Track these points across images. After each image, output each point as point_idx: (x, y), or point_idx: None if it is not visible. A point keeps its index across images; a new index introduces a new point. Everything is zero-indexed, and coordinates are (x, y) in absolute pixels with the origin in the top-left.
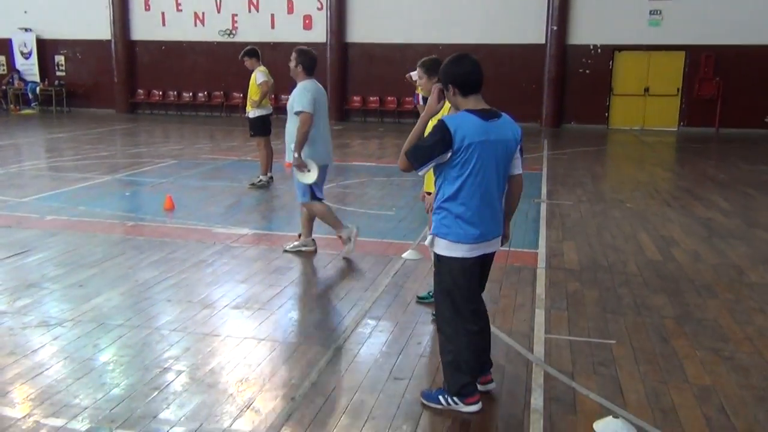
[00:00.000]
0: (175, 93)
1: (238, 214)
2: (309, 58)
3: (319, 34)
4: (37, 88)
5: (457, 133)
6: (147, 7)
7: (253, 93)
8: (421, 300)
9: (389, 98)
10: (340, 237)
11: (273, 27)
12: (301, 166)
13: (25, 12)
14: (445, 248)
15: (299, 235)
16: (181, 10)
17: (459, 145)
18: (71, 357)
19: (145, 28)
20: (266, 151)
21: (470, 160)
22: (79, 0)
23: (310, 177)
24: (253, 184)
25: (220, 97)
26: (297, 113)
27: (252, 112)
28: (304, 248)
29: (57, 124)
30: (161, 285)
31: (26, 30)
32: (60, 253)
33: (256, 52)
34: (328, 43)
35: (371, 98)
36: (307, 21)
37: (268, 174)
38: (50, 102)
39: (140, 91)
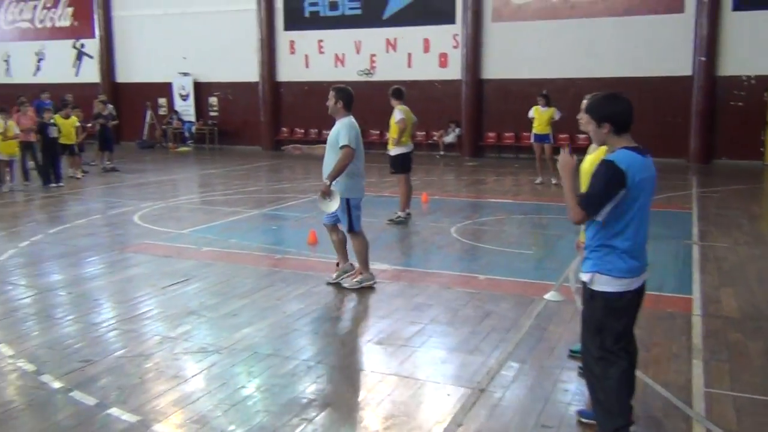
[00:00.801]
0: (316, 130)
1: (378, 250)
2: (348, 95)
3: (454, 71)
4: (193, 128)
5: (629, 171)
6: (292, 51)
7: (393, 131)
8: (574, 354)
9: (525, 134)
10: (337, 265)
11: (410, 66)
12: (327, 194)
13: (184, 58)
14: (607, 284)
15: (337, 264)
16: (323, 53)
17: (631, 183)
18: (227, 384)
19: (289, 70)
20: (405, 188)
21: (638, 197)
22: (232, 46)
23: (332, 206)
24: (391, 220)
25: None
26: (342, 147)
27: (393, 150)
28: (366, 283)
29: (209, 161)
30: (307, 318)
31: (185, 74)
32: (215, 283)
33: (399, 91)
34: (464, 79)
35: (506, 134)
36: (442, 59)
37: (406, 210)
38: (204, 140)
39: (284, 129)
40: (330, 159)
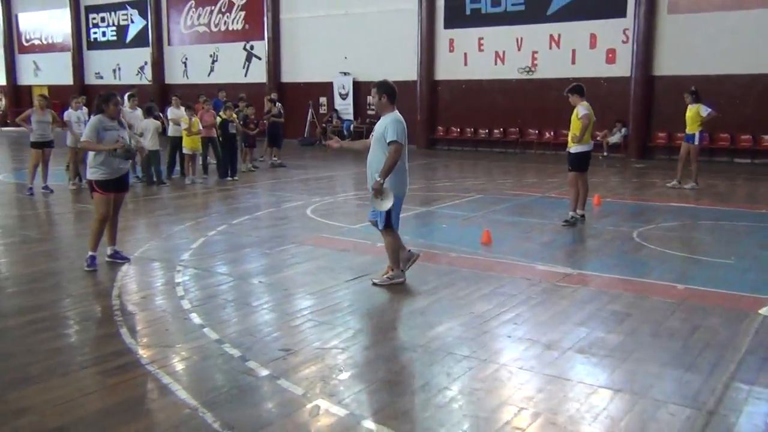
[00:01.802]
0: (472, 129)
1: (556, 252)
2: (391, 89)
3: (623, 67)
4: (351, 126)
5: None
6: (451, 49)
7: (576, 128)
8: None
9: (723, 135)
10: (390, 269)
11: (573, 62)
12: (380, 193)
13: (345, 58)
14: None
15: (389, 268)
16: (483, 50)
17: None
18: (429, 384)
19: (448, 69)
20: (582, 188)
21: None
22: (391, 45)
23: (386, 204)
24: (567, 222)
25: (515, 133)
26: (390, 143)
27: (574, 148)
28: (396, 280)
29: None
30: (497, 320)
31: (345, 74)
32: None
33: (581, 88)
34: (633, 76)
35: (678, 134)
36: (610, 55)
37: (579, 211)
38: (361, 138)
39: (440, 128)
40: (376, 155)
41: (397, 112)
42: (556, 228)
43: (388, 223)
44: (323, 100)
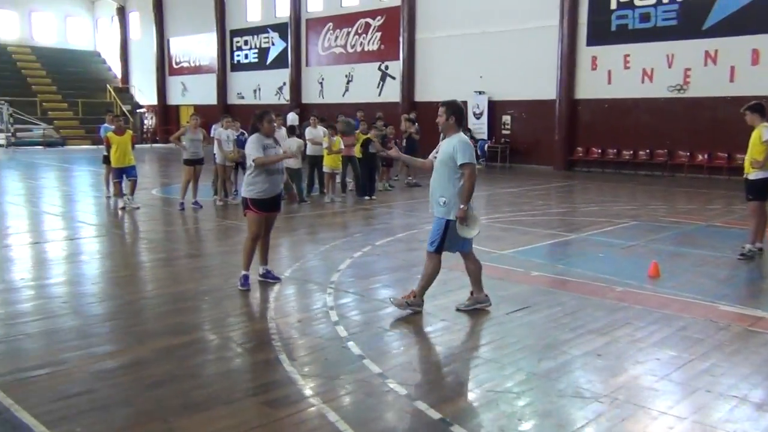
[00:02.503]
0: (615, 150)
1: (739, 290)
2: (460, 110)
3: None
4: (485, 145)
5: None
6: (594, 67)
7: (757, 152)
8: None
9: None
10: (471, 294)
11: (732, 80)
12: (465, 219)
13: (481, 77)
14: None
15: (471, 293)
16: (629, 68)
17: None
18: None
19: (589, 87)
20: (762, 218)
21: None
22: (529, 64)
23: (473, 231)
24: (743, 255)
25: (663, 155)
26: (462, 165)
27: (754, 174)
28: (479, 305)
29: (504, 179)
30: (690, 369)
31: (480, 93)
32: (562, 314)
33: (762, 107)
34: None
35: None
36: None
37: (757, 244)
38: (494, 158)
39: (579, 148)
40: (441, 178)
41: (462, 133)
42: (731, 262)
43: (439, 248)
44: None
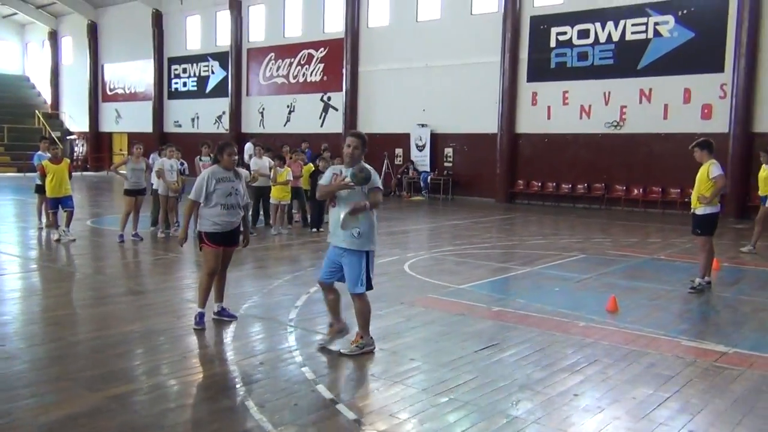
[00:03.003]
0: (554, 184)
1: (697, 325)
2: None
3: (720, 123)
4: (429, 178)
5: None
6: (534, 102)
7: (705, 189)
8: None
9: None
10: (360, 336)
11: (665, 117)
12: (361, 211)
13: (424, 110)
14: None
15: (359, 335)
16: (568, 104)
17: None
18: None
19: (530, 122)
20: (709, 253)
21: None
22: (471, 98)
23: (352, 225)
24: (694, 288)
25: (600, 189)
26: (375, 189)
27: (701, 209)
28: (368, 348)
29: (448, 211)
30: (666, 408)
31: (423, 125)
32: (531, 351)
33: (711, 144)
34: (731, 133)
35: None
36: (705, 110)
37: (706, 278)
38: (438, 190)
39: (520, 181)
40: (350, 202)
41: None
42: (683, 295)
43: (369, 285)
44: (399, 151)
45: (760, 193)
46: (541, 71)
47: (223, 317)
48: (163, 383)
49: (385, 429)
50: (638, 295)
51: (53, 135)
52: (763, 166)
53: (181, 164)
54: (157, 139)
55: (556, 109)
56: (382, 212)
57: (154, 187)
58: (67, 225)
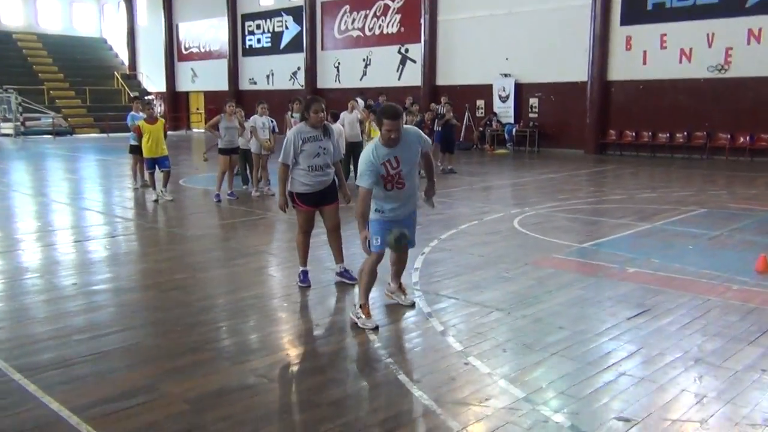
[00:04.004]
0: (650, 133)
1: None
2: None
3: None
4: (513, 130)
5: None
6: (628, 47)
7: None
8: None
9: None
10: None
11: None
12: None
13: (507, 59)
14: None
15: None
16: (666, 48)
17: None
18: None
19: (624, 68)
20: None
21: None
22: (559, 45)
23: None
24: None
25: (702, 137)
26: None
27: None
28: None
29: (539, 164)
30: None
31: (506, 75)
32: (690, 319)
33: None
34: None
35: None
36: None
37: None
38: (523, 143)
39: (612, 131)
40: (413, 180)
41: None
42: None
43: (368, 248)
44: (480, 102)
45: None
46: (636, 13)
47: (344, 279)
48: (303, 355)
49: (565, 407)
50: None
51: (131, 95)
52: None
53: (272, 122)
54: (233, 97)
55: (653, 54)
56: (468, 167)
57: (242, 146)
58: (165, 185)
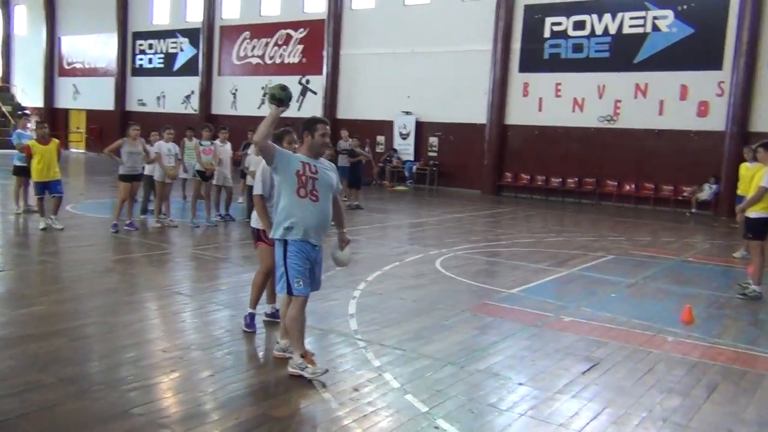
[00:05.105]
0: (544, 178)
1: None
2: None
3: (716, 121)
4: (414, 167)
5: None
6: (525, 93)
7: (752, 189)
8: None
9: None
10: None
11: (660, 113)
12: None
13: (408, 97)
14: None
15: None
16: (560, 96)
17: None
18: None
19: (521, 113)
20: (761, 258)
21: None
22: (460, 87)
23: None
24: (744, 295)
25: (592, 184)
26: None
27: (754, 213)
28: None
29: (441, 203)
30: None
31: (407, 113)
32: (642, 374)
33: None
34: (728, 131)
35: None
36: (702, 108)
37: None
38: (422, 180)
39: (508, 174)
40: (328, 204)
41: None
42: (743, 304)
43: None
44: (381, 138)
45: (741, 192)
46: (534, 62)
47: (276, 319)
48: (258, 419)
49: None
50: (700, 303)
51: (3, 110)
52: (746, 164)
53: (177, 148)
54: (119, 118)
55: (548, 101)
56: (371, 203)
57: (146, 173)
58: (55, 212)
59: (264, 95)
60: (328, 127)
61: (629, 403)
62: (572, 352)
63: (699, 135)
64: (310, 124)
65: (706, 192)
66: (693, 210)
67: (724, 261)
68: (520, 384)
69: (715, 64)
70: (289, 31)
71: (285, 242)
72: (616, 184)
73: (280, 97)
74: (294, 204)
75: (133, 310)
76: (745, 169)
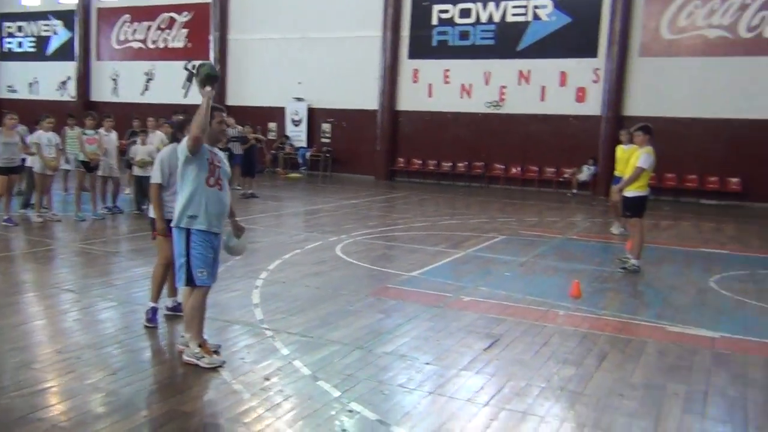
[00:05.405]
0: (435, 162)
1: (666, 310)
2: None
3: (593, 106)
4: (307, 154)
5: None
6: (415, 79)
7: (629, 171)
8: None
9: (669, 175)
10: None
11: (543, 99)
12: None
13: (300, 83)
14: None
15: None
16: (449, 82)
17: None
18: None
19: (411, 99)
20: (641, 234)
21: None
22: (351, 73)
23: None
24: (624, 268)
25: (480, 167)
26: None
27: (631, 192)
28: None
29: (336, 190)
30: (714, 405)
31: (299, 99)
32: (539, 347)
33: (650, 129)
34: (603, 115)
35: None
36: (580, 93)
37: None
38: (316, 167)
39: (401, 159)
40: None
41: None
42: (624, 277)
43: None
44: (273, 125)
45: (618, 173)
46: (422, 49)
47: (178, 313)
48: (165, 417)
49: None
50: (586, 278)
51: None
52: (621, 146)
53: (58, 138)
54: None
55: (438, 87)
56: (265, 191)
57: (27, 164)
58: None
59: (190, 77)
60: (224, 114)
61: (529, 375)
62: (473, 330)
63: (578, 119)
64: (214, 108)
65: (585, 173)
66: (574, 191)
67: (603, 238)
68: (427, 363)
69: (591, 52)
70: (173, 14)
71: (187, 231)
72: (503, 167)
73: (215, 75)
74: (201, 192)
75: (18, 311)
76: (621, 151)
